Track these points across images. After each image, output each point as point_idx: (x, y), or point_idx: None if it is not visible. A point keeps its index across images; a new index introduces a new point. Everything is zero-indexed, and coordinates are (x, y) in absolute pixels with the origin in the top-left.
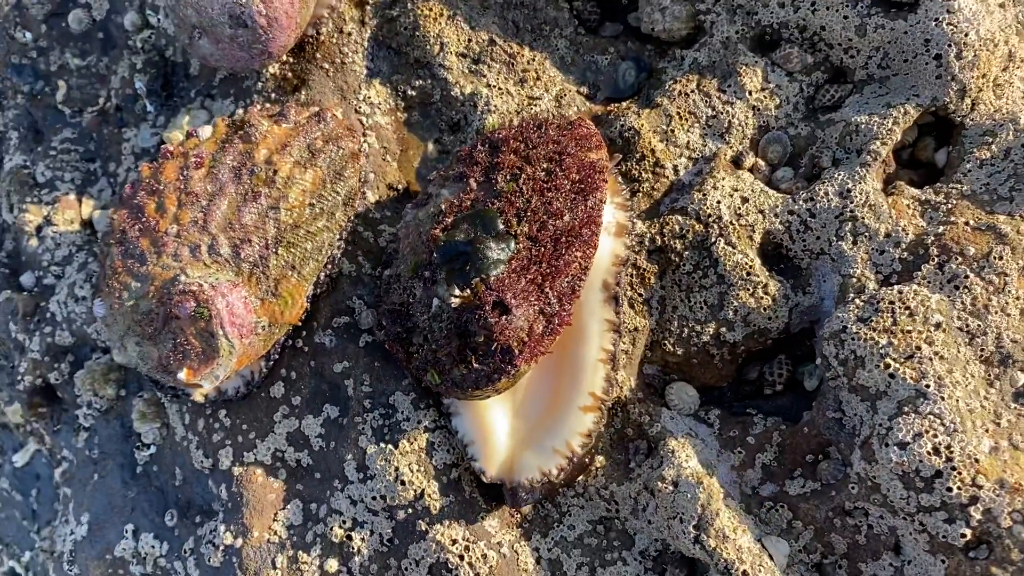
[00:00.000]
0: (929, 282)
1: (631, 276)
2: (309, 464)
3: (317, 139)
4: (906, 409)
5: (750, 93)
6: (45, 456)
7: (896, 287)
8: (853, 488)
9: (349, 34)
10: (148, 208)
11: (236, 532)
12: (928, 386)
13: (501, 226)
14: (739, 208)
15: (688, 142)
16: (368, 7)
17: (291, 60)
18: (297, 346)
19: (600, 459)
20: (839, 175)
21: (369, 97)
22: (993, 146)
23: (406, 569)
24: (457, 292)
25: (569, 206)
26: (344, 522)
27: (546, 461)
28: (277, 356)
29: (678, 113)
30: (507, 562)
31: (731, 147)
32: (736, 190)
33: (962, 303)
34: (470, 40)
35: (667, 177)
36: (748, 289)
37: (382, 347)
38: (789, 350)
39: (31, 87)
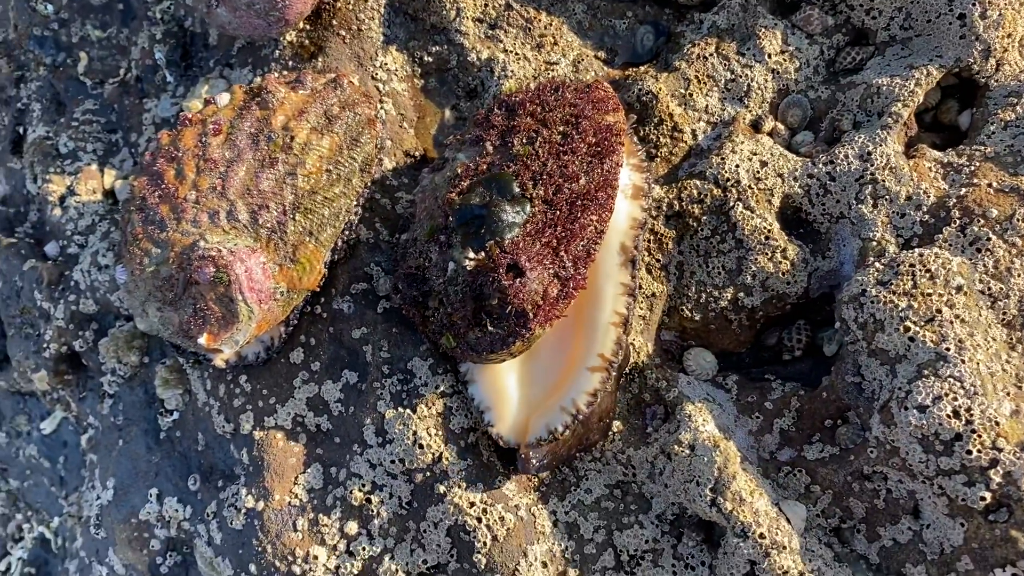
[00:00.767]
0: (951, 245)
1: (648, 242)
2: (329, 429)
3: (334, 105)
4: (926, 372)
5: (769, 56)
6: (72, 423)
7: (917, 250)
8: (872, 452)
9: (365, 0)
10: (167, 175)
11: (257, 495)
12: (948, 349)
13: (516, 189)
14: (758, 172)
15: (707, 106)
16: None
17: (308, 27)
18: (316, 312)
19: (617, 424)
20: (860, 138)
21: (386, 64)
22: (1018, 107)
23: (424, 531)
24: (472, 255)
25: (585, 169)
26: (363, 485)
27: (553, 419)
28: (296, 322)
29: (696, 77)
30: (524, 524)
31: (750, 111)
32: (755, 154)
33: (984, 266)
34: (487, 5)
35: (685, 142)
36: (767, 253)
37: (400, 313)
38: (808, 315)
39: (53, 59)
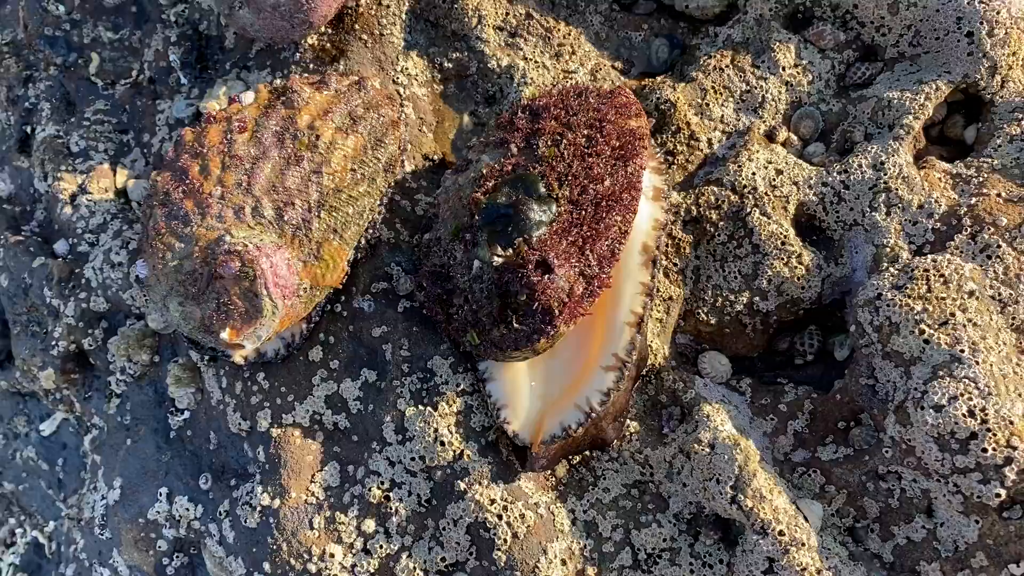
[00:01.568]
0: (962, 252)
1: (667, 246)
2: (347, 427)
3: (358, 106)
4: (941, 373)
5: (783, 69)
6: (72, 425)
7: (930, 256)
8: (887, 452)
9: (387, 6)
10: (192, 170)
11: (274, 493)
12: (963, 351)
13: (543, 189)
14: (774, 179)
15: (722, 116)
16: None
17: (330, 31)
18: (336, 311)
19: (634, 425)
20: (873, 148)
21: (407, 68)
22: (1023, 122)
23: (444, 529)
24: (500, 252)
25: (610, 171)
26: (382, 483)
27: (568, 417)
28: (318, 319)
29: (713, 87)
30: (544, 522)
31: (764, 121)
32: (771, 162)
33: (994, 272)
34: (507, 13)
35: (701, 150)
36: (783, 259)
37: (420, 312)
38: (819, 322)
39: (64, 59)
